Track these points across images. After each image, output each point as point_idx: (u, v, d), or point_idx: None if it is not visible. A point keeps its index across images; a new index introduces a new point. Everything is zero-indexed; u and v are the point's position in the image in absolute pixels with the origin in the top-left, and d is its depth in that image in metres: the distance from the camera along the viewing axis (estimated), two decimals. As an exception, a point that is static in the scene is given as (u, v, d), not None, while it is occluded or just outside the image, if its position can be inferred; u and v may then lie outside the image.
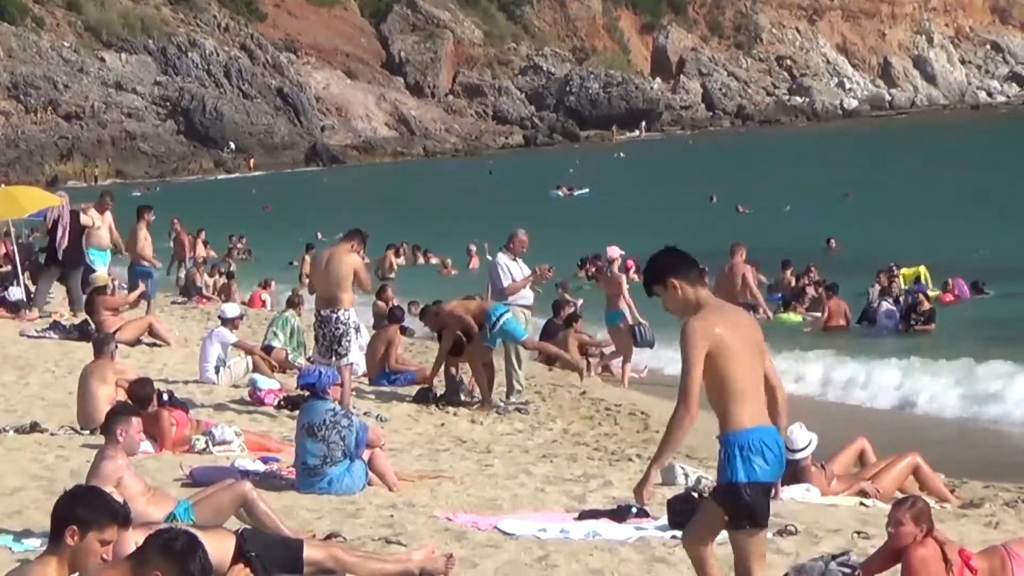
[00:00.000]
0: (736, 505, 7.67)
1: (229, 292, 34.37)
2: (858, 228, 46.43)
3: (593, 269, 36.83)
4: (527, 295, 19.54)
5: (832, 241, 41.59)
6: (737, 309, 8.33)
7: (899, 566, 8.93)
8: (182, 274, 36.41)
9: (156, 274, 27.36)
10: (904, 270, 31.79)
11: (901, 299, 28.70)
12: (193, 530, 9.55)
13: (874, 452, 14.02)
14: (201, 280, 35.16)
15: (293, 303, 22.58)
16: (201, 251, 42.85)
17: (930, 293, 29.60)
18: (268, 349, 20.74)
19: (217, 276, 36.99)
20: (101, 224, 26.96)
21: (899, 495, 13.13)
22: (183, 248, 36.45)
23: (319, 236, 43.18)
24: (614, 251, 23.72)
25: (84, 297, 25.10)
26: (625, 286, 23.29)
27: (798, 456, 13.11)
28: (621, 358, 23.07)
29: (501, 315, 18.65)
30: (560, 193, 70.56)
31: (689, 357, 7.63)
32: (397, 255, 41.27)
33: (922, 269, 32.18)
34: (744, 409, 7.69)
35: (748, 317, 8.27)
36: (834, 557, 9.32)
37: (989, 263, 36.35)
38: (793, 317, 29.27)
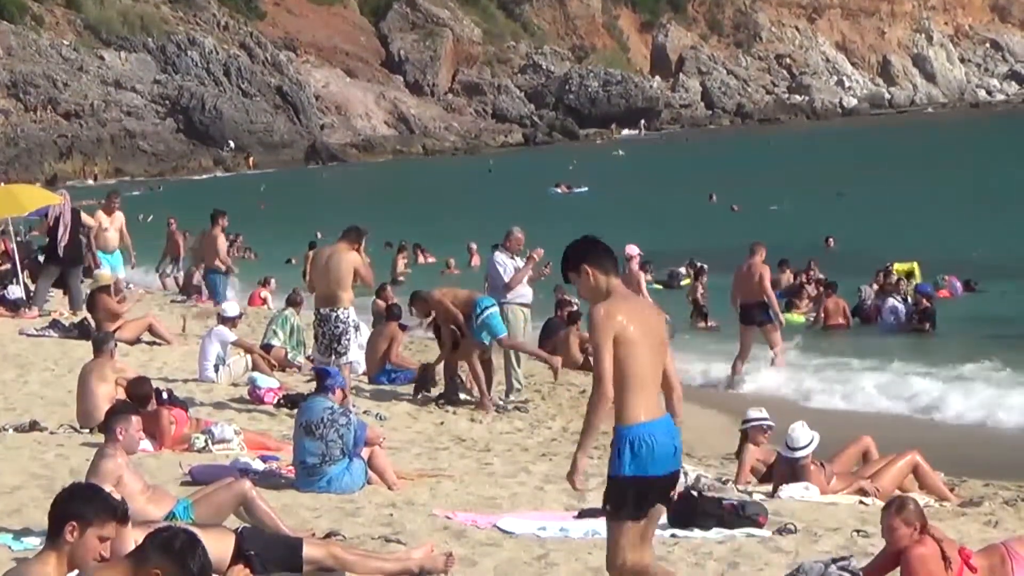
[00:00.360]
0: (620, 498, 7.83)
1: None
2: (856, 226, 46.42)
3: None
4: (526, 293, 19.50)
5: (830, 240, 41.60)
6: (645, 302, 8.54)
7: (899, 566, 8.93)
8: (179, 272, 36.40)
9: (228, 279, 27.52)
10: (897, 266, 31.81)
11: (910, 297, 28.71)
12: (192, 528, 9.57)
13: (877, 452, 14.02)
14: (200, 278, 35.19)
15: (293, 302, 22.57)
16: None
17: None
18: (267, 348, 20.74)
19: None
20: (108, 226, 26.99)
21: (899, 493, 13.15)
22: (176, 247, 36.48)
23: (319, 236, 43.17)
24: (632, 249, 23.75)
25: (85, 295, 25.12)
26: (643, 283, 23.36)
27: (798, 455, 13.12)
28: None
29: (486, 308, 18.56)
30: (559, 191, 70.54)
31: (597, 342, 7.80)
32: (404, 257, 41.21)
33: (914, 265, 32.14)
34: (640, 402, 7.83)
35: (654, 311, 8.39)
36: (835, 561, 9.31)
37: (988, 261, 36.36)
38: (795, 317, 29.28)
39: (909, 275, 31.40)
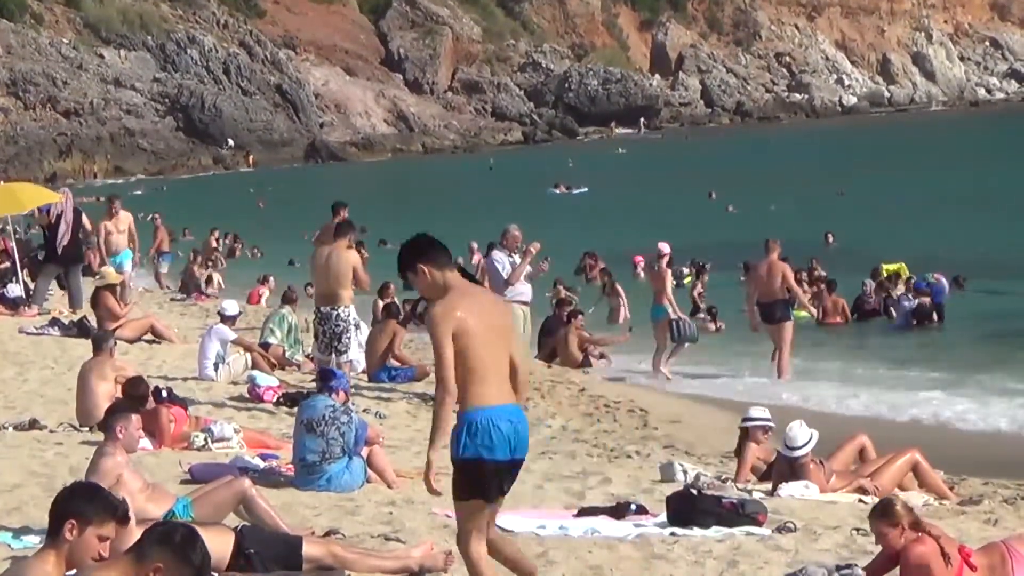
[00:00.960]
0: (462, 478, 8.01)
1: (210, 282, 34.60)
2: (855, 224, 46.41)
3: (591, 264, 36.84)
4: (525, 291, 19.46)
5: (829, 236, 41.62)
6: (485, 293, 8.75)
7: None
8: (163, 269, 36.58)
9: None
10: (885, 266, 31.84)
11: (911, 295, 28.84)
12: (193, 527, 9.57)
13: (873, 449, 14.02)
14: (201, 275, 35.27)
15: (289, 299, 22.58)
16: (211, 243, 43.33)
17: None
18: (265, 346, 20.76)
19: (203, 269, 37.03)
20: (113, 230, 27.00)
21: (898, 492, 13.15)
22: (161, 243, 36.75)
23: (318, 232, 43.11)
24: (664, 247, 23.76)
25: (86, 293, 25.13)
26: (669, 282, 23.33)
27: (797, 454, 13.12)
28: (664, 352, 23.01)
29: None
30: (558, 191, 70.52)
31: (436, 341, 7.99)
32: None
33: (902, 265, 32.08)
34: (484, 390, 8.00)
35: (497, 302, 8.72)
36: (839, 568, 9.31)
37: (987, 259, 36.37)
38: (801, 313, 29.37)
39: (897, 275, 31.41)
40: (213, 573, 9.09)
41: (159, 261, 36.46)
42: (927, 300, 28.11)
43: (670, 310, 22.94)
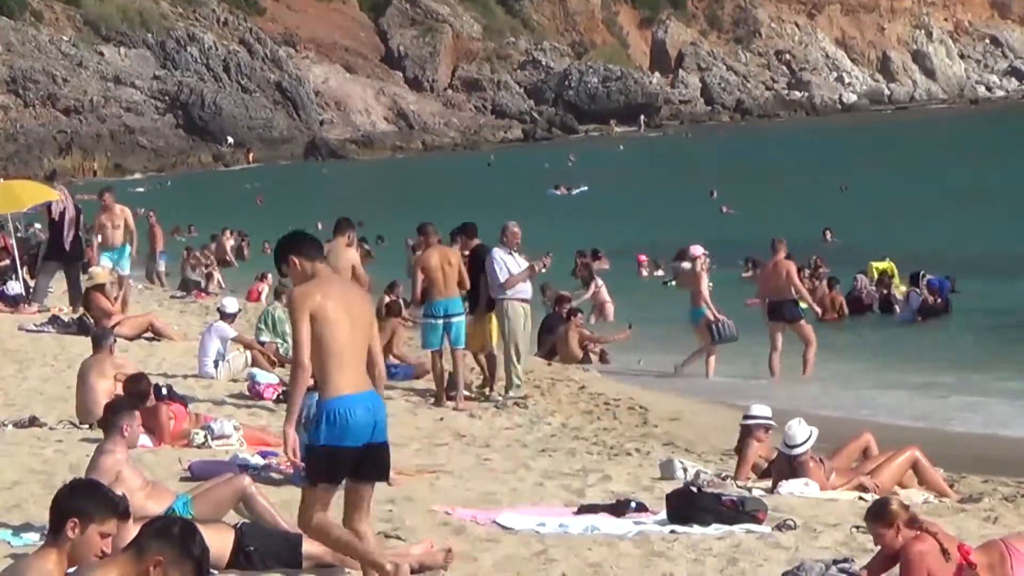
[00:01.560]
0: (315, 465, 8.60)
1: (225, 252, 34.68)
2: (853, 221, 46.38)
3: (583, 263, 36.81)
4: (525, 289, 19.48)
5: (827, 232, 41.62)
6: (349, 284, 9.64)
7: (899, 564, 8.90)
8: (162, 267, 36.63)
9: None
10: (874, 264, 31.87)
11: (898, 293, 28.88)
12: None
13: (877, 448, 14.01)
14: (201, 272, 35.36)
15: (279, 294, 22.62)
16: (226, 246, 43.71)
17: (902, 287, 29.93)
18: (261, 344, 20.76)
19: (203, 267, 37.08)
20: (108, 223, 26.83)
21: (898, 490, 13.15)
22: (155, 241, 36.82)
23: (319, 227, 43.14)
24: (696, 249, 23.77)
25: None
26: (705, 284, 23.33)
27: (796, 451, 13.11)
28: (705, 353, 23.00)
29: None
30: (558, 193, 70.50)
31: (294, 321, 8.64)
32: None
33: (891, 264, 32.04)
34: (340, 377, 8.55)
35: (359, 293, 9.25)
36: (836, 562, 9.30)
37: (985, 255, 36.38)
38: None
39: (885, 272, 31.37)
40: (213, 570, 9.12)
41: (159, 260, 36.46)
42: (937, 297, 28.21)
43: (708, 312, 22.94)
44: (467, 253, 19.74)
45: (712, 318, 22.90)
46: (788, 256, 23.33)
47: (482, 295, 19.42)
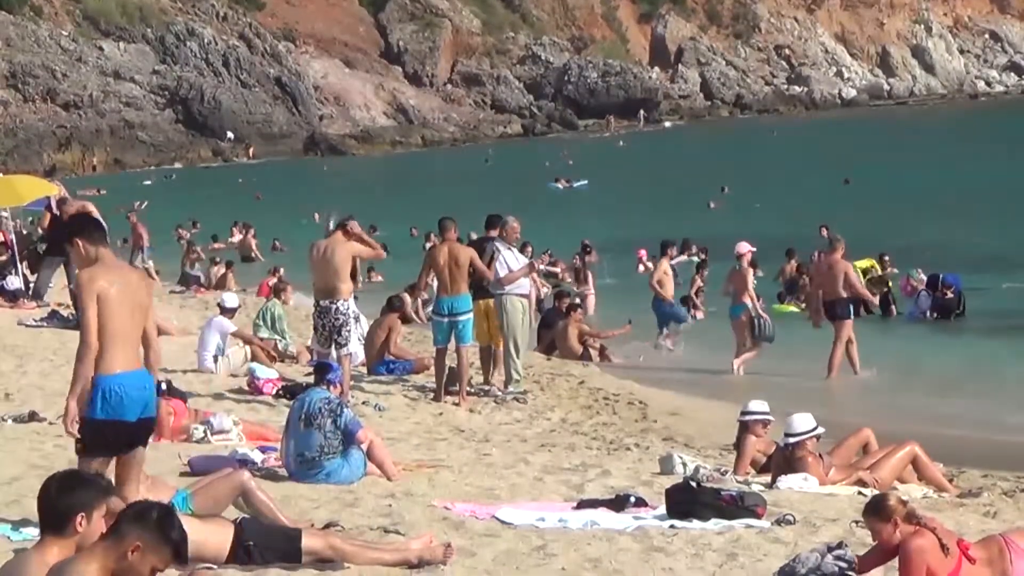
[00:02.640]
0: (92, 437, 9.20)
1: (225, 282, 34.50)
2: (852, 218, 46.34)
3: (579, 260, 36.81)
4: (524, 284, 19.49)
5: (824, 230, 41.56)
6: (130, 269, 9.96)
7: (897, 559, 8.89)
8: (150, 263, 36.67)
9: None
10: (856, 263, 31.79)
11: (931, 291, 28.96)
12: (192, 519, 9.58)
13: (876, 443, 14.00)
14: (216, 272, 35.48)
15: (278, 291, 22.61)
16: (251, 243, 43.83)
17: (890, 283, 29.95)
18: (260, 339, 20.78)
19: (214, 266, 37.10)
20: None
21: (898, 484, 13.15)
22: (139, 238, 36.88)
23: (317, 219, 43.18)
24: (743, 247, 23.74)
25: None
26: (751, 281, 23.29)
27: (791, 440, 13.09)
28: (746, 349, 22.93)
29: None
30: (559, 186, 70.55)
31: (82, 303, 9.23)
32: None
33: (873, 262, 31.90)
34: (116, 355, 9.16)
35: (139, 278, 9.70)
36: (830, 549, 9.29)
37: (984, 251, 36.39)
38: (785, 307, 29.36)
39: (867, 271, 31.27)
40: (212, 566, 9.13)
41: (143, 256, 36.47)
42: (950, 294, 28.17)
43: (751, 307, 22.87)
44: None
45: (755, 314, 22.82)
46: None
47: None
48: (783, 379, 21.62)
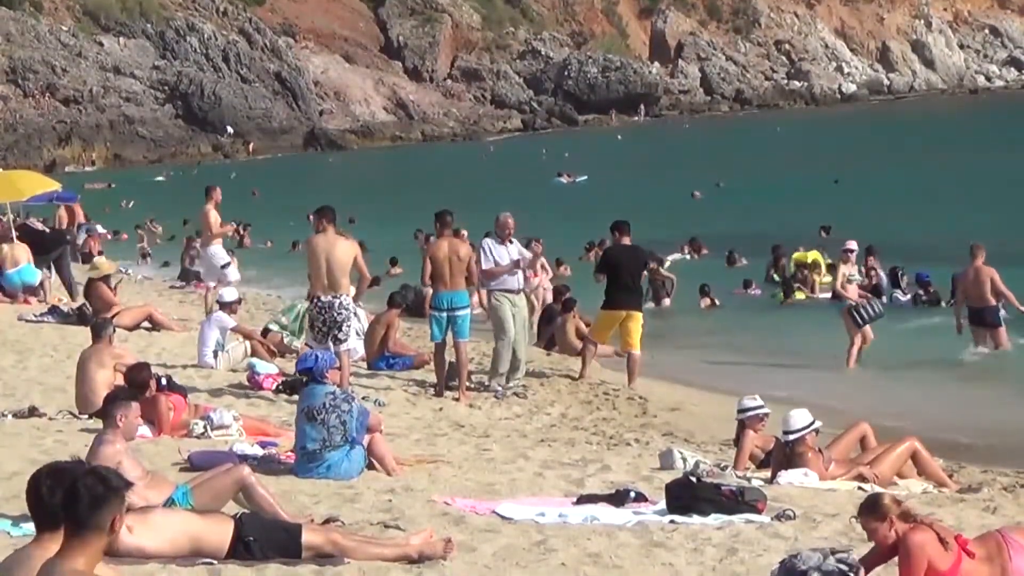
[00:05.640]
0: None
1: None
2: (850, 214, 46.32)
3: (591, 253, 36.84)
4: (511, 281, 19.35)
5: (823, 231, 41.56)
6: None
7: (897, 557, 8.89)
8: (81, 240, 37.02)
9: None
10: (796, 254, 31.73)
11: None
12: (192, 514, 9.60)
13: (874, 438, 14.01)
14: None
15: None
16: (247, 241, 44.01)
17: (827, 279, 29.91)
18: (265, 333, 20.77)
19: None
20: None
21: (897, 480, 13.16)
22: (70, 222, 37.24)
23: (310, 220, 43.16)
24: (851, 244, 23.86)
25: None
26: (841, 276, 23.17)
27: (791, 437, 13.11)
28: (855, 346, 22.77)
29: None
30: (563, 180, 70.65)
31: None
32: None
33: (817, 255, 31.78)
34: None
35: None
36: (833, 552, 9.30)
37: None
38: (798, 294, 29.61)
39: (814, 265, 31.16)
40: (212, 561, 9.14)
41: (78, 233, 36.70)
42: (931, 289, 28.22)
43: (846, 296, 22.73)
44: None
45: (850, 303, 22.63)
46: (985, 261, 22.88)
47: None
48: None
